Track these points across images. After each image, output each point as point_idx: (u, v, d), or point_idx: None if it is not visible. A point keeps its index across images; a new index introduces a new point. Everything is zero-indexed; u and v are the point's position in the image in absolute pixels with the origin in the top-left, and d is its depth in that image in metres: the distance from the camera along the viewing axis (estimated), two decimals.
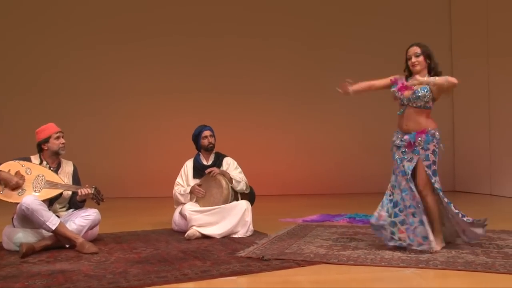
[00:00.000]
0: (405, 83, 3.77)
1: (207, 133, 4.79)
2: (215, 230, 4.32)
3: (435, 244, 3.60)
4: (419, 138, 3.70)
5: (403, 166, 3.73)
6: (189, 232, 4.28)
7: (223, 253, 3.63)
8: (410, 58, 3.76)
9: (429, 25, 9.18)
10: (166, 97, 9.02)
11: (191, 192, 4.61)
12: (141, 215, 6.31)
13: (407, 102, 3.75)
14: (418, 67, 3.73)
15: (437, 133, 3.72)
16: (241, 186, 4.64)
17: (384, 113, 9.18)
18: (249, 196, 4.77)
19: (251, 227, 4.44)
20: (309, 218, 5.56)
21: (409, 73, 3.82)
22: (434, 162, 3.71)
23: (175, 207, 4.74)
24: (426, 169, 3.69)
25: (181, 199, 4.64)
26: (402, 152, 3.77)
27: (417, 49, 3.74)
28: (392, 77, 3.86)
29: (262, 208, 6.15)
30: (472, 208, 6.79)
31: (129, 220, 5.83)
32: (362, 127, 9.21)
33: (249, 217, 4.42)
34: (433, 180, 3.70)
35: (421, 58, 3.72)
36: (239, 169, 4.80)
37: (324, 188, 9.02)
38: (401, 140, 3.78)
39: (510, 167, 7.71)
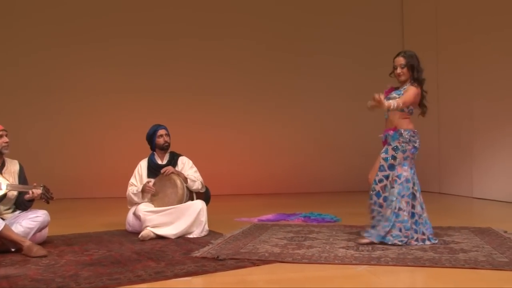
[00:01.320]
0: (389, 89, 4.04)
1: (162, 132, 4.73)
2: (170, 231, 4.26)
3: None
4: (387, 135, 3.95)
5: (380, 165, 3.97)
6: (143, 233, 4.21)
7: (177, 254, 3.58)
8: (396, 68, 3.97)
9: (383, 24, 9.38)
10: (121, 97, 8.85)
11: (143, 190, 4.53)
12: (94, 216, 6.15)
13: None
14: (402, 78, 3.96)
15: (406, 133, 3.89)
16: (196, 186, 4.60)
17: (339, 114, 9.40)
18: (204, 195, 4.73)
19: (206, 227, 4.42)
20: (264, 217, 5.57)
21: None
22: (393, 157, 3.87)
23: (129, 207, 4.65)
24: (381, 161, 3.90)
25: (135, 198, 4.56)
26: (385, 150, 3.99)
27: (402, 61, 3.94)
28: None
29: (218, 207, 6.13)
30: None
31: (81, 221, 5.67)
32: (318, 127, 9.34)
33: (204, 217, 4.39)
34: (385, 173, 3.87)
35: (405, 70, 3.93)
36: (195, 169, 4.76)
37: (280, 187, 9.08)
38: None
39: (458, 165, 8.01)
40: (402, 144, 3.89)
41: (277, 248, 3.75)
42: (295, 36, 9.35)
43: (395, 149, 3.89)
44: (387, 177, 3.87)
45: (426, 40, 8.76)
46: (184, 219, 4.32)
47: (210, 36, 9.11)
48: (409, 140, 3.90)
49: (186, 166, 4.73)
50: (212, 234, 4.42)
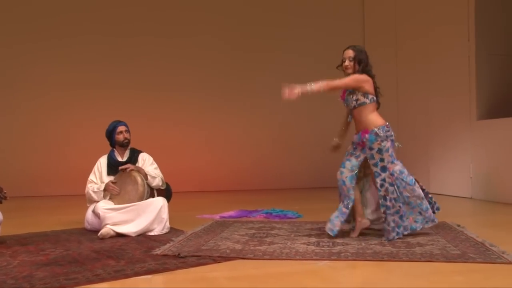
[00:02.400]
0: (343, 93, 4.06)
1: (122, 128, 4.65)
2: (130, 228, 4.20)
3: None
4: (363, 139, 3.90)
5: (346, 159, 3.98)
6: (103, 231, 4.13)
7: (138, 252, 3.53)
8: (344, 61, 3.94)
9: (344, 23, 9.50)
10: (80, 93, 8.64)
11: (105, 190, 4.45)
12: (51, 215, 5.99)
13: (346, 105, 4.02)
14: (349, 71, 3.93)
15: (380, 131, 3.85)
16: (157, 182, 4.55)
17: (300, 111, 9.47)
18: (166, 192, 4.69)
19: (168, 224, 4.38)
20: (226, 214, 5.56)
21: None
22: (381, 159, 3.86)
23: (88, 205, 4.56)
24: (373, 167, 3.89)
25: (95, 196, 4.47)
26: (354, 148, 4.01)
27: (350, 53, 3.92)
28: None
29: (179, 204, 6.09)
30: None
31: (37, 220, 5.51)
32: (279, 124, 9.38)
33: (165, 214, 4.35)
34: (381, 177, 3.85)
35: (353, 63, 3.91)
36: (155, 165, 4.71)
37: (241, 184, 9.08)
38: (356, 139, 4.01)
39: (415, 163, 8.19)
40: (382, 144, 3.85)
41: (239, 244, 3.75)
42: (256, 34, 9.36)
43: (379, 151, 3.86)
44: (384, 180, 3.86)
45: (386, 38, 8.94)
46: (145, 216, 4.26)
47: (171, 33, 9.01)
48: (387, 136, 3.88)
49: (146, 162, 4.67)
50: (173, 231, 4.38)
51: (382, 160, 3.87)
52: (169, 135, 8.86)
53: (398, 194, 3.85)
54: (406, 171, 3.92)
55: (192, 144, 9.06)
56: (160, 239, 4.00)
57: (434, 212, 4.02)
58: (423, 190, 4.00)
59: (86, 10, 8.79)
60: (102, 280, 2.81)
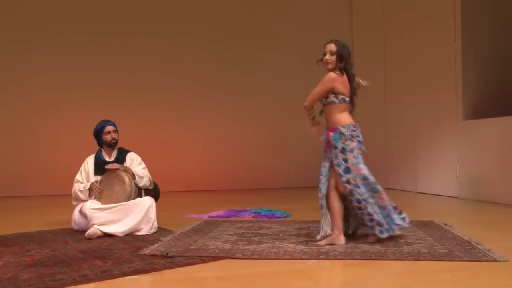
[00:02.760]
0: None
1: (110, 128, 4.61)
2: (118, 228, 4.17)
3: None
4: (329, 137, 3.72)
5: (322, 166, 3.77)
6: (90, 231, 4.09)
7: (125, 252, 3.50)
8: (325, 55, 3.73)
9: (332, 21, 9.53)
10: (68, 93, 8.59)
11: (90, 189, 4.41)
12: (37, 215, 5.93)
13: (319, 101, 3.82)
14: (329, 66, 3.72)
15: (345, 130, 3.66)
16: (144, 182, 4.52)
17: (289, 110, 9.47)
18: (154, 192, 4.66)
19: (156, 224, 4.35)
20: (214, 213, 5.55)
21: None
22: (344, 159, 3.66)
23: (74, 204, 4.52)
24: (336, 168, 3.68)
25: (81, 196, 4.43)
26: (325, 151, 3.80)
27: (333, 48, 3.72)
28: None
29: (167, 204, 6.06)
30: None
31: (23, 220, 5.44)
32: (268, 123, 9.39)
33: (153, 214, 4.32)
34: (344, 178, 3.65)
35: (333, 58, 3.70)
36: (143, 165, 4.68)
37: (230, 184, 9.07)
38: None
39: (402, 162, 8.27)
40: (346, 143, 3.66)
41: (227, 244, 3.74)
42: (245, 33, 9.36)
43: (343, 151, 3.66)
44: (348, 181, 3.66)
45: (374, 37, 9.00)
46: (132, 216, 4.24)
47: (161, 33, 8.99)
48: (352, 136, 3.68)
49: (134, 162, 4.64)
50: (161, 231, 4.35)
51: (345, 160, 3.65)
52: (157, 134, 8.82)
53: (367, 196, 3.65)
54: (372, 179, 3.71)
55: (180, 144, 9.03)
56: (148, 239, 3.97)
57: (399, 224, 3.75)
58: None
59: (75, 10, 8.74)
60: (89, 280, 2.78)
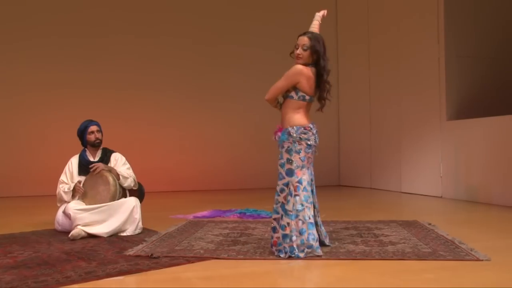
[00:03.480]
0: None
1: (93, 128, 4.58)
2: (102, 229, 4.14)
3: None
4: (276, 137, 3.53)
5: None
6: (74, 232, 4.06)
7: (110, 253, 3.49)
8: (297, 48, 3.44)
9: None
10: (51, 93, 8.49)
11: (74, 189, 4.38)
12: (19, 216, 5.85)
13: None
14: (300, 61, 3.44)
15: (293, 131, 3.41)
16: (129, 183, 4.51)
17: (273, 109, 9.47)
18: (138, 192, 4.65)
19: (140, 225, 4.34)
20: (200, 214, 5.54)
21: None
22: (288, 160, 3.40)
23: (59, 205, 4.48)
24: (278, 167, 3.46)
25: (65, 197, 4.40)
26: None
27: (306, 41, 3.41)
28: None
29: (152, 205, 6.05)
30: (354, 201, 7.27)
31: (5, 221, 5.37)
32: (252, 122, 9.37)
33: (138, 214, 4.31)
34: (286, 180, 3.40)
35: (306, 53, 3.42)
36: (128, 165, 4.66)
37: (215, 184, 9.06)
38: None
39: (387, 162, 8.34)
40: (294, 144, 3.40)
41: (213, 244, 3.74)
42: (228, 31, 9.33)
43: (288, 151, 3.41)
44: (287, 184, 3.39)
45: (359, 34, 9.05)
46: (117, 216, 4.22)
47: (144, 33, 8.93)
48: (300, 139, 3.40)
49: (119, 162, 4.62)
50: (146, 231, 4.34)
51: (289, 161, 3.39)
52: (142, 134, 8.78)
53: (293, 209, 3.33)
54: (310, 188, 3.47)
55: (165, 144, 9.00)
56: (133, 240, 3.96)
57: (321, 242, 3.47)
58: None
59: (58, 11, 8.64)
60: (73, 282, 2.76)
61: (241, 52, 9.34)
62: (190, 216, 5.40)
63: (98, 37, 8.75)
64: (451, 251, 3.40)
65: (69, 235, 4.06)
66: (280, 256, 3.30)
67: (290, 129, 3.43)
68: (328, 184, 9.39)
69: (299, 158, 3.41)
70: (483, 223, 4.94)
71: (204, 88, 9.22)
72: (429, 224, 4.53)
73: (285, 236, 3.33)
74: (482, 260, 3.13)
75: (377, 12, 8.62)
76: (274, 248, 3.41)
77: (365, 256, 3.32)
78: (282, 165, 3.44)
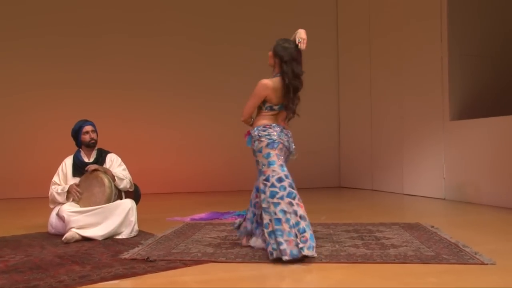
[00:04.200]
0: None
1: (88, 128, 4.57)
2: (97, 232, 4.13)
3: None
4: (246, 143, 3.67)
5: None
6: (67, 235, 4.04)
7: (105, 256, 3.47)
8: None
9: (317, 18, 9.55)
10: (45, 92, 8.50)
11: (68, 191, 4.36)
12: (11, 218, 5.83)
13: None
14: (272, 67, 3.70)
15: (254, 131, 3.57)
16: (125, 184, 4.49)
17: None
18: (134, 194, 4.64)
19: (136, 227, 4.32)
20: (197, 216, 5.54)
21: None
22: (257, 161, 3.56)
23: (51, 207, 4.46)
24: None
25: (58, 198, 4.38)
26: None
27: (272, 49, 3.70)
28: None
29: (148, 207, 6.04)
30: (355, 203, 7.26)
31: None
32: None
33: (134, 217, 4.29)
34: (258, 181, 3.57)
35: (272, 60, 3.68)
36: (123, 166, 4.65)
37: (213, 185, 9.05)
38: None
39: (388, 163, 8.33)
40: (255, 144, 3.53)
41: (210, 247, 3.73)
42: (227, 31, 9.32)
43: (254, 153, 3.57)
44: (261, 185, 3.51)
45: (360, 35, 9.06)
46: (112, 219, 4.20)
47: (138, 32, 8.93)
48: (259, 136, 3.52)
49: (114, 163, 4.61)
50: (142, 234, 4.32)
51: (257, 162, 3.54)
52: (138, 135, 8.77)
53: (268, 205, 3.37)
54: (288, 182, 3.42)
55: (162, 144, 8.98)
56: (129, 243, 3.95)
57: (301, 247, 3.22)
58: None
59: (52, 11, 8.67)
60: (66, 286, 2.74)
61: (238, 52, 9.32)
62: (187, 219, 5.39)
63: (93, 36, 8.75)
64: (455, 254, 3.39)
65: (63, 238, 4.04)
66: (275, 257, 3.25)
67: (251, 131, 3.60)
68: (329, 186, 9.39)
69: (262, 156, 3.50)
70: (487, 226, 4.93)
71: (202, 87, 9.21)
72: (432, 226, 4.51)
73: (269, 234, 3.32)
74: (487, 264, 3.12)
75: (379, 11, 8.62)
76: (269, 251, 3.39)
77: (366, 259, 3.30)
78: (257, 167, 3.58)
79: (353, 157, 9.38)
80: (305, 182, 8.91)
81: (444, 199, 7.00)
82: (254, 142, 3.54)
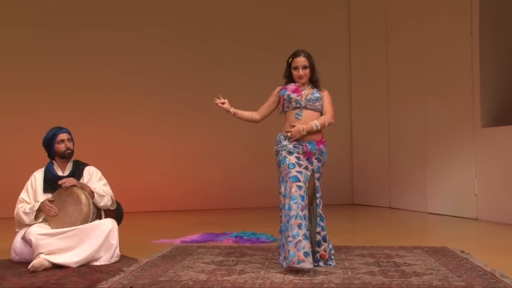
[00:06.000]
0: (299, 87, 4.19)
1: (63, 136, 4.56)
2: (71, 258, 4.11)
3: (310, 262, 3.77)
4: (319, 149, 4.12)
5: (297, 172, 3.95)
6: (35, 262, 4.00)
7: (80, 286, 3.45)
8: (297, 68, 4.16)
9: (327, 15, 9.60)
10: (8, 95, 8.41)
11: (40, 210, 4.33)
12: None
13: (305, 103, 4.13)
14: (304, 79, 4.18)
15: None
16: (105, 202, 4.48)
17: (278, 116, 9.48)
18: (116, 213, 4.63)
19: (118, 252, 4.31)
20: (188, 238, 5.55)
21: (290, 80, 4.25)
22: (320, 176, 4.18)
23: (17, 230, 4.43)
24: (316, 181, 4.10)
25: (25, 219, 4.33)
26: (296, 157, 4.03)
27: (305, 62, 4.16)
28: (278, 88, 4.31)
29: (132, 227, 6.05)
30: (370, 223, 7.23)
31: None
32: (252, 134, 9.32)
33: (115, 239, 4.28)
34: (318, 195, 4.12)
35: (307, 71, 4.17)
36: (104, 181, 4.65)
37: (208, 202, 9.04)
38: (295, 147, 4.06)
39: (409, 177, 8.30)
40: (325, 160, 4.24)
41: (203, 274, 3.72)
42: (226, 27, 9.37)
43: (323, 166, 4.23)
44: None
45: (375, 30, 9.08)
46: (89, 242, 4.19)
47: (124, 26, 8.95)
48: (276, 148, 4.21)
49: (93, 177, 4.61)
50: (124, 259, 4.32)
51: (320, 177, 4.19)
52: (120, 144, 8.76)
53: (282, 217, 3.96)
54: (296, 190, 3.89)
55: (148, 156, 8.98)
56: (108, 270, 3.93)
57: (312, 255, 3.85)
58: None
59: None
60: None
61: (239, 50, 9.36)
62: (177, 241, 5.40)
63: (70, 30, 8.75)
64: (491, 285, 3.36)
65: (29, 266, 4.00)
66: (331, 265, 4.02)
67: (326, 144, 4.27)
68: (340, 203, 9.37)
69: (281, 169, 4.08)
70: None
71: (196, 90, 9.18)
72: (462, 251, 4.48)
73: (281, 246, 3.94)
74: None
75: (397, 2, 8.64)
76: (322, 262, 4.02)
77: None
78: (318, 179, 4.18)
79: (368, 169, 9.36)
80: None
81: (476, 219, 6.96)
82: (326, 158, 4.24)
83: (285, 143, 4.09)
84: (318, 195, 4.09)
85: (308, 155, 4.06)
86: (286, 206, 3.87)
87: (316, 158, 4.10)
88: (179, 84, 9.19)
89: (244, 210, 8.74)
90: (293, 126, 4.06)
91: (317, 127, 4.04)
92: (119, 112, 8.86)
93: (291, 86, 4.19)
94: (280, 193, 4.01)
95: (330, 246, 4.12)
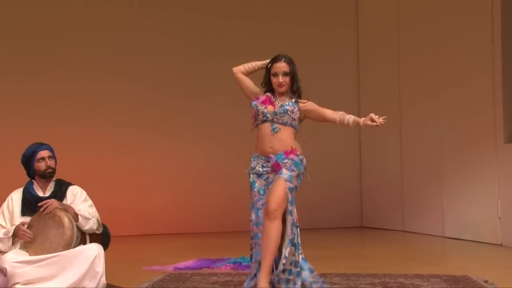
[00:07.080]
0: (270, 96, 4.07)
1: (44, 153, 4.53)
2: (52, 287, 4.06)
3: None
4: (287, 160, 3.92)
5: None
6: None
7: None
8: (276, 75, 4.02)
9: (334, 18, 9.66)
10: None
11: (15, 235, 4.29)
12: None
13: (271, 117, 4.00)
14: (284, 88, 4.03)
15: (304, 160, 3.99)
16: (91, 225, 4.43)
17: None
18: (102, 238, 4.59)
19: (104, 280, 4.26)
20: (182, 264, 5.56)
21: (269, 89, 4.10)
22: (295, 187, 3.90)
23: None
24: (288, 193, 3.83)
25: (0, 246, 4.29)
26: (266, 179, 3.99)
27: (285, 68, 4.02)
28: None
29: (120, 253, 6.05)
30: (382, 247, 7.20)
31: None
32: (252, 148, 9.35)
33: (101, 266, 4.23)
34: (290, 208, 3.86)
35: (287, 78, 4.02)
36: (90, 202, 4.62)
37: (203, 225, 9.03)
38: (263, 166, 4.00)
39: (425, 198, 8.26)
40: (302, 174, 4.01)
41: None
42: (228, 30, 9.46)
43: (298, 177, 3.97)
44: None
45: (386, 34, 9.12)
46: (72, 270, 4.15)
47: (106, 30, 9.00)
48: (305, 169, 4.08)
49: (78, 198, 4.57)
50: None
51: (296, 189, 4.02)
52: (107, 162, 8.76)
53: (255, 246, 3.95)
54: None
55: (138, 174, 8.96)
56: None
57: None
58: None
59: None
60: None
61: (239, 54, 9.28)
62: (170, 268, 5.41)
63: (49, 37, 8.79)
64: None
65: None
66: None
67: (302, 156, 4.01)
68: (348, 226, 9.33)
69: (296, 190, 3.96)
70: None
71: (192, 101, 9.21)
72: (486, 281, 4.45)
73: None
74: None
75: (410, 3, 8.67)
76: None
77: None
78: (290, 190, 3.87)
79: (379, 189, 9.33)
80: (318, 221, 8.84)
81: (501, 245, 6.91)
82: (303, 172, 3.99)
83: (253, 165, 4.04)
84: (289, 208, 3.85)
85: (276, 167, 3.91)
86: (260, 235, 3.82)
87: (287, 169, 3.88)
88: (172, 96, 9.20)
89: (243, 233, 8.63)
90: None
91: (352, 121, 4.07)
92: (105, 126, 8.86)
93: (262, 97, 4.07)
94: (251, 220, 3.95)
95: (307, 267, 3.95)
